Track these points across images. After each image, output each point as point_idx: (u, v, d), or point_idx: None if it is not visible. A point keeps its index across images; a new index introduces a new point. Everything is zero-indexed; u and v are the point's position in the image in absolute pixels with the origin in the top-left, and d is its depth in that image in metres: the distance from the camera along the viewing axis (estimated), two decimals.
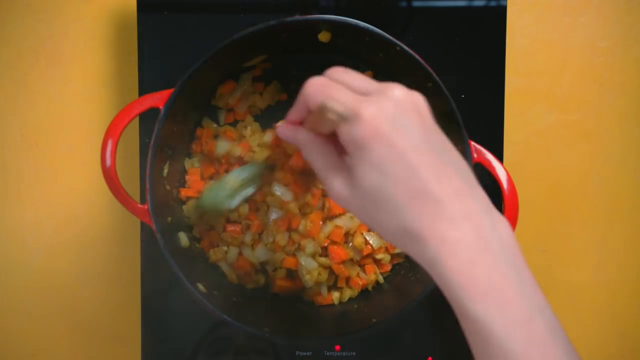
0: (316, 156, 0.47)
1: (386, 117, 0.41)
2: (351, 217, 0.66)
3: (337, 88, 0.43)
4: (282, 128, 0.50)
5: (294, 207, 0.65)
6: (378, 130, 0.41)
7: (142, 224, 0.69)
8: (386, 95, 0.42)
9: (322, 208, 0.66)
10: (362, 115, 0.41)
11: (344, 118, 0.42)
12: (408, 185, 0.41)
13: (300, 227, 0.65)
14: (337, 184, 0.45)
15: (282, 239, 0.65)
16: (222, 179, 0.64)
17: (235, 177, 0.64)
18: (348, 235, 0.66)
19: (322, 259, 0.66)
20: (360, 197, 0.43)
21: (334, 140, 0.47)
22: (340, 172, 0.45)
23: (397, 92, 0.42)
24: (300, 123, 0.49)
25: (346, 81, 0.45)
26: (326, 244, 0.66)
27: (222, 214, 0.66)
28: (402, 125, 0.41)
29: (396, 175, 0.41)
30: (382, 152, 0.41)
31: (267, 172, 0.65)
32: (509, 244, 0.42)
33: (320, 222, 0.65)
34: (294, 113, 0.49)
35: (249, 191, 0.65)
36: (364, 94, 0.43)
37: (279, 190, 0.65)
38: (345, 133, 0.42)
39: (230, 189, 0.63)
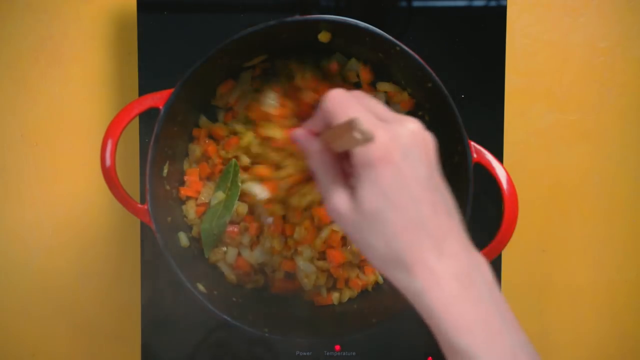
0: (323, 169, 0.47)
1: (400, 145, 0.42)
2: None
3: (357, 108, 0.44)
4: (299, 133, 0.50)
5: (278, 209, 0.65)
6: (390, 155, 0.42)
7: (142, 224, 0.69)
8: (402, 126, 0.44)
9: (312, 219, 0.66)
10: (378, 137, 0.42)
11: (368, 139, 0.42)
12: (407, 214, 0.42)
13: (296, 235, 0.65)
14: (336, 200, 0.46)
15: (278, 243, 0.65)
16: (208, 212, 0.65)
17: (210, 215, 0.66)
18: (346, 238, 0.66)
19: (320, 263, 0.66)
20: (358, 218, 0.44)
21: (341, 159, 0.48)
22: (342, 190, 0.46)
23: (412, 125, 0.44)
24: (316, 134, 0.50)
25: (366, 104, 0.46)
26: (323, 249, 0.66)
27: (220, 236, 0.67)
28: (413, 157, 0.43)
29: (398, 202, 0.42)
30: (390, 178, 0.42)
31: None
32: (491, 282, 0.44)
33: (315, 229, 0.65)
34: (313, 123, 0.49)
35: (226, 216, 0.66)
36: (381, 119, 0.44)
37: (255, 189, 0.65)
38: (358, 152, 0.43)
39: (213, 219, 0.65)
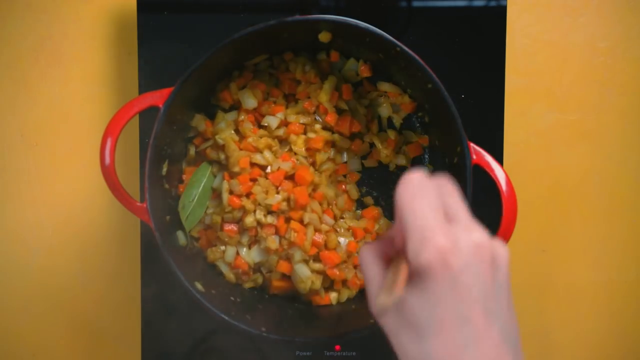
0: (372, 274, 0.43)
1: (460, 255, 0.38)
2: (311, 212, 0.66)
3: (425, 202, 0.40)
4: (368, 253, 0.45)
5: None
6: (447, 264, 0.38)
7: (142, 224, 0.69)
8: (468, 234, 0.39)
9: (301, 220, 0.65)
10: (436, 241, 0.38)
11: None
12: (450, 335, 0.38)
13: (287, 235, 0.65)
14: (381, 299, 0.41)
15: (272, 242, 0.65)
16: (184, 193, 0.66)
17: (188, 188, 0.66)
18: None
19: (316, 265, 0.65)
20: (399, 322, 0.40)
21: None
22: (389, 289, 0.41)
23: (479, 236, 0.40)
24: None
25: (444, 197, 0.41)
26: (313, 253, 0.65)
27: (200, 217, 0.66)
28: (472, 272, 0.38)
29: (444, 319, 0.38)
30: (441, 289, 0.38)
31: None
32: None
33: (306, 230, 0.65)
34: (394, 230, 0.44)
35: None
36: (451, 220, 0.40)
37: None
38: (411, 251, 0.39)
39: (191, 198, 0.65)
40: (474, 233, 0.40)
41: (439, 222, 0.39)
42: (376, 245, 0.44)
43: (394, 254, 0.44)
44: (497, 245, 0.41)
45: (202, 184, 0.66)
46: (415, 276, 0.39)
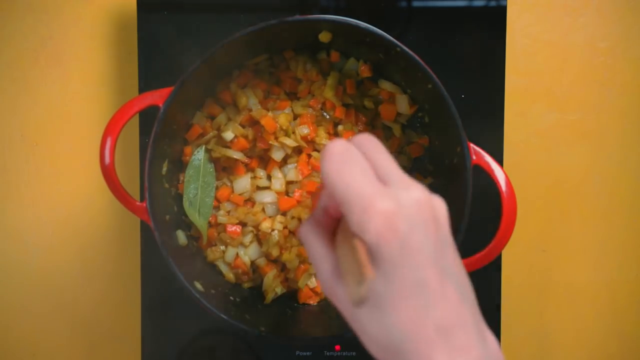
0: (320, 252, 0.42)
1: (404, 215, 0.36)
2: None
3: (355, 170, 0.38)
4: (306, 230, 0.43)
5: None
6: (393, 227, 0.36)
7: (142, 224, 0.69)
8: (407, 192, 0.37)
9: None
10: (378, 207, 0.36)
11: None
12: (410, 301, 0.36)
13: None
14: (333, 285, 0.40)
15: (275, 249, 0.66)
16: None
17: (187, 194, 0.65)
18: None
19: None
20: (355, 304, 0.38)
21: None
22: (339, 274, 0.40)
23: (419, 193, 0.38)
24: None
25: (371, 158, 0.40)
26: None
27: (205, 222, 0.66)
28: (419, 231, 0.37)
29: (401, 286, 0.36)
30: (393, 254, 0.36)
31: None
32: None
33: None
34: (324, 199, 0.42)
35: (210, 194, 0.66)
36: (384, 181, 0.39)
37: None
38: (356, 224, 0.37)
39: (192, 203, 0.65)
40: (413, 190, 0.38)
41: (375, 187, 0.37)
42: (314, 221, 0.43)
43: (334, 224, 0.42)
44: (435, 199, 0.39)
45: (200, 172, 0.65)
46: (369, 249, 0.37)
